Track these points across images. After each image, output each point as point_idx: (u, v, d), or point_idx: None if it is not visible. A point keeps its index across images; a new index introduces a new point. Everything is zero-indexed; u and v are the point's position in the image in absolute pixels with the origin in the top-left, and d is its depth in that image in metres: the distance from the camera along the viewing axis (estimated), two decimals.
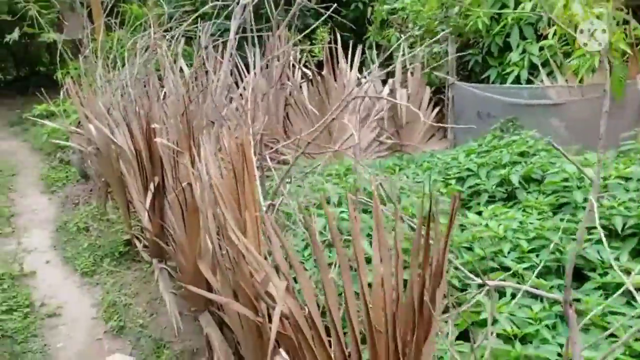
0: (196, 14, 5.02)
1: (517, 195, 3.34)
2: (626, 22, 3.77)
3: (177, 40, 4.70)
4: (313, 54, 7.91)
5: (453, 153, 4.39)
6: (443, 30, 5.81)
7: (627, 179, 2.98)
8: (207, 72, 4.15)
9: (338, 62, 5.76)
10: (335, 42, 6.03)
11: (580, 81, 3.95)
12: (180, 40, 4.73)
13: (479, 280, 1.68)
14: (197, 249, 2.90)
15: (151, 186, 3.57)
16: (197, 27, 4.72)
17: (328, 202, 3.27)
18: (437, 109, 5.78)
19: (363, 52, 7.39)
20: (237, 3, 4.49)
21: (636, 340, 1.97)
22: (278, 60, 5.38)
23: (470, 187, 3.66)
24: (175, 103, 3.53)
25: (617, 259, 2.53)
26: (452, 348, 1.73)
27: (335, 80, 5.62)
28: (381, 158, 5.30)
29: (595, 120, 4.13)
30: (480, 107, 4.99)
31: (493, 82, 5.29)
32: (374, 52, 6.88)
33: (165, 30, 5.13)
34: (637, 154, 3.30)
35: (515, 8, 5.01)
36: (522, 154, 3.74)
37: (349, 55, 5.96)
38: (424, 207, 1.46)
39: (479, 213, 3.12)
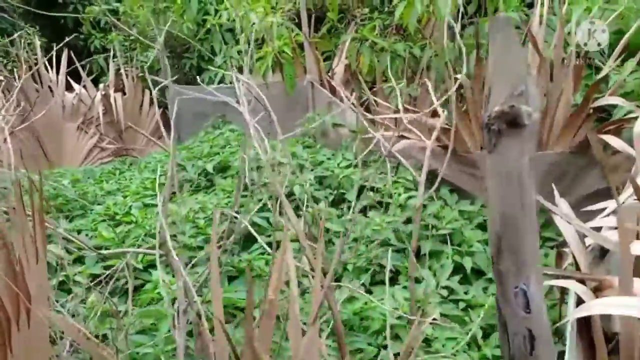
0: None
1: (215, 181, 3.77)
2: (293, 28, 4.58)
3: None
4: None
5: (168, 152, 4.64)
6: (156, 35, 6.00)
7: (293, 157, 3.67)
8: None
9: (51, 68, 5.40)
10: (47, 48, 5.63)
11: (265, 79, 4.65)
12: None
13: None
14: None
15: None
16: None
17: None
18: (159, 111, 5.95)
19: (88, 56, 7.06)
20: None
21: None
22: None
23: (179, 180, 3.96)
24: None
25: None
26: None
27: (43, 86, 5.26)
28: (104, 164, 5.21)
29: (280, 112, 4.87)
30: (196, 108, 5.34)
31: (208, 84, 5.72)
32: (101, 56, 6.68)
33: None
34: (303, 137, 4.09)
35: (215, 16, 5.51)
36: (222, 146, 4.21)
37: (62, 60, 5.63)
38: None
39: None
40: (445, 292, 2.45)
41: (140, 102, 5.78)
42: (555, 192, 2.01)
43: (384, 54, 4.26)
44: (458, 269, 2.71)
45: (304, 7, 4.21)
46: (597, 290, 1.72)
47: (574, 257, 1.78)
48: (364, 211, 3.13)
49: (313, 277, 2.46)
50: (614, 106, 3.04)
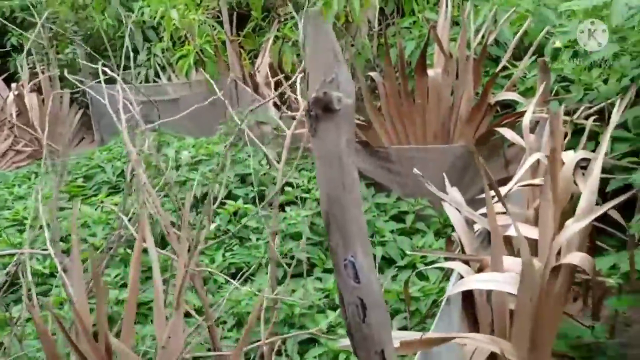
0: None
1: (134, 182, 3.68)
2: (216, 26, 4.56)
3: None
4: None
5: (89, 154, 4.50)
6: (75, 32, 5.77)
7: (214, 155, 3.67)
8: None
9: None
10: None
11: (188, 77, 4.60)
12: None
13: None
14: None
15: None
16: None
17: None
18: (80, 112, 5.72)
19: (5, 55, 6.65)
20: None
21: None
22: None
23: (97, 182, 3.86)
24: None
25: None
26: None
27: None
28: (19, 168, 4.96)
29: (204, 111, 4.83)
30: (117, 107, 5.17)
31: (130, 82, 5.56)
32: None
33: None
34: (225, 135, 4.08)
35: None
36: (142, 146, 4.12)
37: None
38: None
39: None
40: None
41: (59, 102, 5.54)
42: (446, 181, 2.14)
43: None
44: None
45: (225, 5, 4.20)
46: (480, 270, 1.87)
47: (460, 241, 1.91)
48: (282, 207, 3.18)
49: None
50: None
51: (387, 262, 2.83)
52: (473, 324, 1.78)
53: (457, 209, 2.02)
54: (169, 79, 5.05)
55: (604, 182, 2.60)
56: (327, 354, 2.00)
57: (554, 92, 3.22)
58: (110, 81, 5.81)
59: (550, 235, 1.60)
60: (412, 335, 1.17)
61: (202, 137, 4.21)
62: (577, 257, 1.50)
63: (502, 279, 1.47)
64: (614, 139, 3.30)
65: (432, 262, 2.35)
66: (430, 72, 3.19)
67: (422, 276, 2.64)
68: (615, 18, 1.76)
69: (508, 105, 3.45)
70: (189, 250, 1.37)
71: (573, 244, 1.61)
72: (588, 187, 1.66)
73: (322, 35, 0.74)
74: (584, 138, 2.22)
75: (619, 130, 3.32)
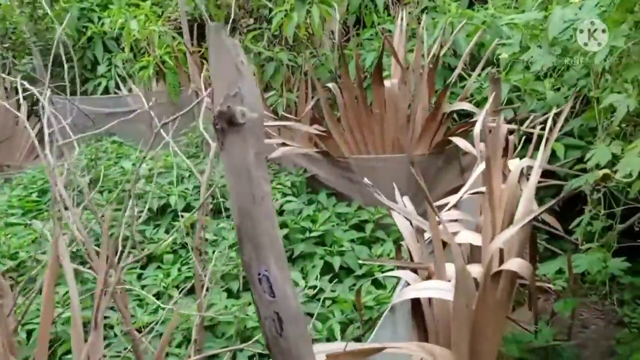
0: None
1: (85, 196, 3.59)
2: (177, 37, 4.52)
3: None
4: None
5: (44, 167, 4.38)
6: (35, 43, 5.65)
7: (173, 167, 3.62)
8: None
9: None
10: None
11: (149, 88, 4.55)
12: None
13: None
14: None
15: None
16: None
17: None
18: (38, 124, 5.57)
19: None
20: None
21: None
22: None
23: (52, 197, 3.74)
24: None
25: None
26: None
27: None
28: None
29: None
30: (76, 119, 5.07)
31: (91, 94, 5.47)
32: None
33: None
34: (187, 147, 4.04)
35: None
36: (100, 159, 4.04)
37: None
38: None
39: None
40: (311, 292, 2.53)
41: (15, 114, 5.38)
42: (396, 191, 2.17)
43: (269, 63, 4.34)
44: (331, 268, 2.82)
45: (185, 15, 4.18)
46: (428, 278, 1.89)
47: (408, 249, 1.93)
48: None
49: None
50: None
51: (346, 271, 2.83)
52: (423, 332, 1.80)
53: (406, 217, 2.04)
54: (130, 90, 4.99)
55: (560, 188, 2.68)
56: None
57: (506, 102, 3.31)
58: (73, 92, 5.67)
59: (489, 241, 1.63)
60: (338, 346, 1.17)
61: (163, 149, 4.15)
62: (515, 263, 1.53)
63: (441, 287, 1.49)
64: (567, 147, 3.43)
65: (390, 270, 2.37)
66: (387, 82, 3.24)
67: (379, 284, 2.66)
68: (553, 31, 1.81)
69: (468, 115, 3.53)
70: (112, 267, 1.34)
71: (513, 249, 1.65)
72: (525, 194, 1.70)
73: (224, 49, 0.74)
74: (531, 146, 2.28)
75: (570, 139, 3.45)
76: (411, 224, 2.04)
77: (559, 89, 2.95)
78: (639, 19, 1.57)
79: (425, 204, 3.06)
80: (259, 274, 0.80)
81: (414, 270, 1.88)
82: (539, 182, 2.69)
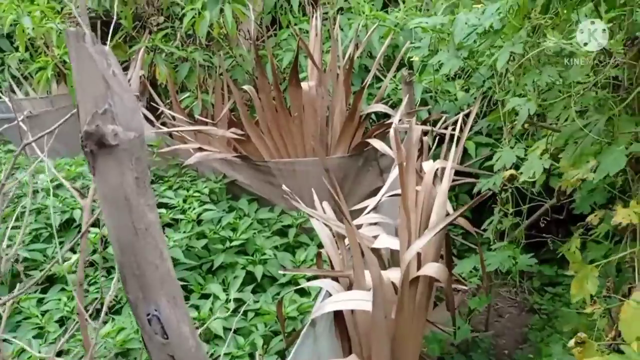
0: None
1: None
2: None
3: None
4: None
5: None
6: None
7: (77, 177, 3.33)
8: None
9: None
10: None
11: (49, 92, 4.17)
12: None
13: None
14: None
15: None
16: None
17: None
18: None
19: None
20: None
21: None
22: None
23: None
24: None
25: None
26: None
27: None
28: None
29: (69, 127, 4.40)
30: None
31: None
32: None
33: None
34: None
35: None
36: None
37: None
38: None
39: None
40: (233, 305, 2.42)
41: None
42: (315, 196, 2.12)
43: (183, 64, 4.14)
44: (254, 278, 2.72)
45: (85, 13, 3.85)
46: (350, 286, 1.85)
47: (329, 257, 1.88)
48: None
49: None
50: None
51: (270, 280, 2.75)
52: (347, 342, 1.76)
53: (325, 224, 2.00)
54: (27, 93, 4.54)
55: (473, 185, 2.78)
56: None
57: (420, 102, 3.39)
58: None
59: (406, 246, 1.62)
60: None
61: (72, 157, 3.83)
62: (432, 268, 1.53)
63: (360, 297, 1.45)
64: (477, 145, 3.58)
65: (313, 279, 2.32)
66: (304, 85, 3.19)
67: (304, 292, 2.60)
68: (458, 36, 1.85)
69: (386, 115, 3.57)
70: None
71: (430, 253, 1.65)
72: (438, 198, 1.71)
73: (87, 60, 0.63)
74: (444, 146, 2.33)
75: (481, 137, 3.61)
76: (331, 230, 2.00)
77: (468, 90, 3.07)
78: (535, 25, 1.64)
79: (349, 206, 3.05)
80: (148, 314, 0.70)
81: (335, 279, 1.84)
82: (454, 180, 2.77)
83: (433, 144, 2.64)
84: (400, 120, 2.95)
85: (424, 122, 2.94)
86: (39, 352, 1.93)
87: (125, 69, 4.50)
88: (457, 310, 1.74)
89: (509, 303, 3.65)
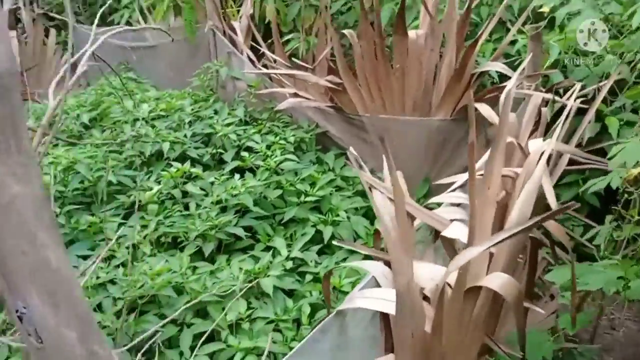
0: None
1: (93, 133, 3.46)
2: None
3: None
4: None
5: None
6: None
7: (176, 111, 3.39)
8: None
9: None
10: None
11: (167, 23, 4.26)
12: None
13: None
14: None
15: None
16: None
17: None
18: (67, 55, 5.48)
19: None
20: None
21: None
22: None
23: (57, 130, 3.64)
24: None
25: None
26: None
27: None
28: None
29: (183, 60, 4.50)
30: (96, 51, 4.91)
31: (118, 24, 5.26)
32: None
33: None
34: (201, 89, 3.79)
35: None
36: (109, 94, 3.87)
37: None
38: None
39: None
40: (291, 264, 2.28)
41: (42, 42, 5.31)
42: (385, 165, 1.83)
43: (294, 3, 3.94)
44: (322, 239, 2.56)
45: None
46: None
47: (385, 237, 1.62)
48: (242, 173, 2.90)
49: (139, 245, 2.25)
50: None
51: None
52: (390, 341, 1.51)
53: (390, 198, 1.72)
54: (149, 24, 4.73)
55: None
56: (225, 351, 1.77)
57: (553, 67, 2.78)
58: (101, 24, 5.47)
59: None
60: None
61: (182, 88, 3.93)
62: (496, 279, 1.20)
63: (390, 297, 1.19)
64: (625, 124, 2.83)
65: (369, 258, 2.07)
66: (411, 33, 2.79)
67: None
68: None
69: (503, 75, 3.03)
70: None
71: (501, 258, 1.30)
72: (524, 193, 1.32)
73: None
74: (560, 124, 1.84)
75: (629, 114, 2.86)
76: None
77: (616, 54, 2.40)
78: None
79: (440, 178, 2.69)
80: (17, 311, 0.54)
81: (388, 264, 1.58)
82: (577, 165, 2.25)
83: (551, 118, 2.14)
84: (520, 84, 2.45)
85: (549, 90, 2.40)
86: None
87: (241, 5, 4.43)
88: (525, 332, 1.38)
89: (628, 315, 3.04)
